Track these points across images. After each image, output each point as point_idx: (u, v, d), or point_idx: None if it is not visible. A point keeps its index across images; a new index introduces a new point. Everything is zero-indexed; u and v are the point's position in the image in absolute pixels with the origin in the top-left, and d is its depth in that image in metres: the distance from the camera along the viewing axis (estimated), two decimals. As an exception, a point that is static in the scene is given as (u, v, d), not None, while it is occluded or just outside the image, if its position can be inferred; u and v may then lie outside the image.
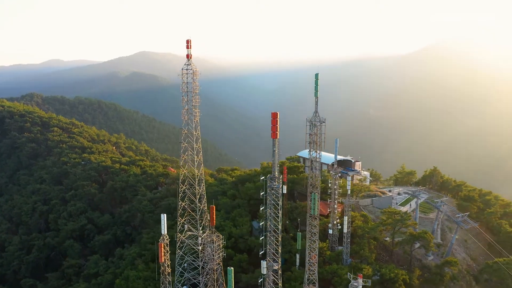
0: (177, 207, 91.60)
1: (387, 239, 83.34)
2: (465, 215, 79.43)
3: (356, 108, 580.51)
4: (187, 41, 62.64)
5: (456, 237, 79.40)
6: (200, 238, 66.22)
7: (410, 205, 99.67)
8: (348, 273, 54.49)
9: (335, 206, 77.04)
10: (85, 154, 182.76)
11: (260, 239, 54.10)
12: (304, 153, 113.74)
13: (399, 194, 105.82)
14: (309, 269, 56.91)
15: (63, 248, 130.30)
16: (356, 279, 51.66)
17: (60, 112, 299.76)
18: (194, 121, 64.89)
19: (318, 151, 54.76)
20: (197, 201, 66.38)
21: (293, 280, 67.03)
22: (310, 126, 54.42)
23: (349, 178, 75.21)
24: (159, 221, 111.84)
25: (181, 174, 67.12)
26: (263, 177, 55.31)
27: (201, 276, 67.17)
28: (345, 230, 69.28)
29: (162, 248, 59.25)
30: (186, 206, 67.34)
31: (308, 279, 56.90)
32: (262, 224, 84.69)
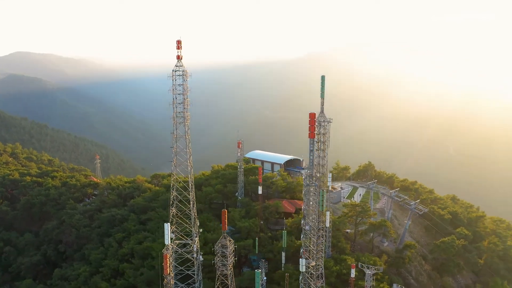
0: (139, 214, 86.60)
1: (349, 230, 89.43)
2: (417, 202, 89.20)
3: (251, 111, 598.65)
4: (178, 42, 60.55)
5: (410, 222, 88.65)
6: (194, 246, 63.94)
7: (354, 197, 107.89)
8: (360, 263, 57.84)
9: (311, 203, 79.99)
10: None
11: (301, 237, 54.54)
12: (253, 154, 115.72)
13: (341, 188, 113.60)
14: (316, 264, 58.87)
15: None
16: (367, 267, 55.20)
17: None
18: (186, 125, 62.45)
19: (325, 152, 56.96)
20: (191, 207, 63.91)
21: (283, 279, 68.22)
22: (317, 126, 56.44)
23: (330, 175, 78.83)
24: (104, 235, 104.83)
25: (172, 180, 64.00)
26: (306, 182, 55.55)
27: (196, 284, 64.87)
28: (327, 225, 72.72)
29: (167, 260, 55.72)
30: (177, 213, 64.33)
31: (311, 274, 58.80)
32: (235, 228, 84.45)
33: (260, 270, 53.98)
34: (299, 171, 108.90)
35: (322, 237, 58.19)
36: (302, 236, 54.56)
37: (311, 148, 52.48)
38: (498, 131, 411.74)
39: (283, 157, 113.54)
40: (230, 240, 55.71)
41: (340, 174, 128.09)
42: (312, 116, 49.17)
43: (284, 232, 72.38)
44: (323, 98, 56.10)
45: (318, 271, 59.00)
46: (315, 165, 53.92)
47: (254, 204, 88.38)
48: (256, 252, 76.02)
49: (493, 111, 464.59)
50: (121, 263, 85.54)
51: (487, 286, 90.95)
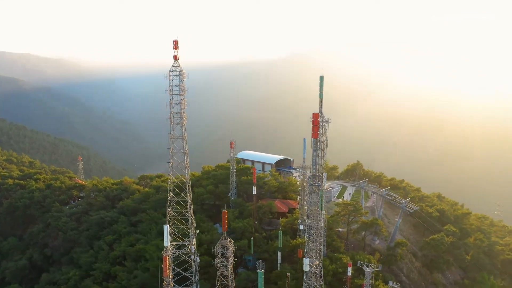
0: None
1: (341, 229, 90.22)
2: (407, 200, 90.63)
3: (233, 112, 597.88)
4: (174, 42, 59.98)
5: (400, 220, 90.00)
6: (192, 247, 63.48)
7: (344, 196, 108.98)
8: (359, 262, 58.43)
9: (304, 203, 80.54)
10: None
11: (305, 237, 54.65)
12: (243, 154, 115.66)
13: (331, 187, 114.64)
14: (315, 263, 59.13)
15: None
16: (366, 265, 55.85)
17: None
18: (183, 125, 61.88)
19: (324, 152, 57.18)
20: (188, 208, 63.38)
21: (282, 278, 68.48)
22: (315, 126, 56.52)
23: (325, 174, 79.30)
24: (93, 238, 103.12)
25: (170, 181, 63.37)
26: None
27: (193, 286, 64.45)
28: (322, 224, 73.06)
29: (167, 261, 55.14)
30: (175, 215, 63.69)
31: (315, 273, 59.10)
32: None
33: (262, 271, 53.95)
34: (289, 171, 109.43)
35: (321, 237, 58.48)
36: (306, 235, 54.74)
37: (314, 148, 52.73)
38: (474, 129, 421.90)
39: (274, 157, 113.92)
40: (230, 241, 55.51)
41: (328, 173, 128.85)
42: (315, 116, 49.44)
43: (280, 232, 72.54)
44: (322, 99, 56.21)
45: (318, 270, 59.35)
46: (317, 164, 54.18)
47: (248, 205, 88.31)
48: (252, 252, 76.03)
49: (468, 111, 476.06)
50: (112, 266, 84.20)
51: (475, 282, 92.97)
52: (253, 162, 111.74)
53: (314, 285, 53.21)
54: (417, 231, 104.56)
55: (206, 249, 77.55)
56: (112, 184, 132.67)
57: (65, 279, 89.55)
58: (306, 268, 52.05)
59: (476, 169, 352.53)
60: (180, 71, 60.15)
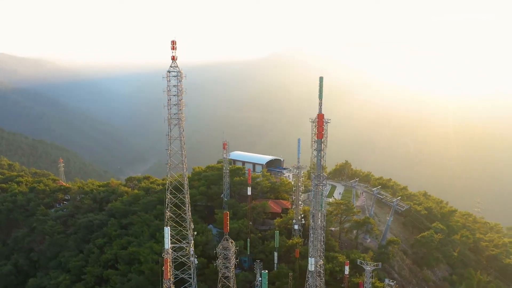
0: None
1: (333, 228, 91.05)
2: (398, 199, 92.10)
3: (217, 112, 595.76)
4: (172, 42, 59.45)
5: (392, 219, 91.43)
6: (191, 249, 63.03)
7: (334, 196, 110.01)
8: (359, 260, 59.12)
9: (300, 203, 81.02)
10: None
11: (310, 237, 54.83)
12: (234, 155, 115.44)
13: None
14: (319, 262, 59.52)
15: None
16: (366, 263, 56.56)
17: None
18: (181, 126, 61.39)
19: (323, 152, 57.62)
20: (186, 209, 62.87)
21: (280, 278, 68.72)
22: (315, 126, 56.98)
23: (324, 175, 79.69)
24: (82, 241, 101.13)
25: (168, 182, 62.75)
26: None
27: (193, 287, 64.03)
28: (322, 223, 73.57)
29: (168, 264, 54.51)
30: (173, 216, 63.10)
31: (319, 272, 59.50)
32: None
33: (266, 271, 54.06)
34: (280, 171, 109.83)
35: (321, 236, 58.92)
36: (310, 235, 55.07)
37: (319, 149, 53.11)
38: (453, 129, 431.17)
39: (265, 158, 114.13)
40: (232, 242, 55.36)
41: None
42: (320, 117, 49.86)
43: (276, 232, 72.77)
44: (321, 99, 56.69)
45: (320, 269, 59.84)
46: (314, 164, 54.61)
47: (241, 205, 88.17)
48: (248, 253, 75.97)
49: (448, 112, 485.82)
50: (104, 269, 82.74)
51: (463, 277, 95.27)
52: (243, 162, 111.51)
53: (318, 284, 53.63)
54: (406, 229, 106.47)
55: (202, 250, 77.28)
56: (99, 186, 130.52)
57: (55, 284, 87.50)
58: (311, 268, 52.41)
59: (454, 168, 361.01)
60: (178, 71, 59.57)
